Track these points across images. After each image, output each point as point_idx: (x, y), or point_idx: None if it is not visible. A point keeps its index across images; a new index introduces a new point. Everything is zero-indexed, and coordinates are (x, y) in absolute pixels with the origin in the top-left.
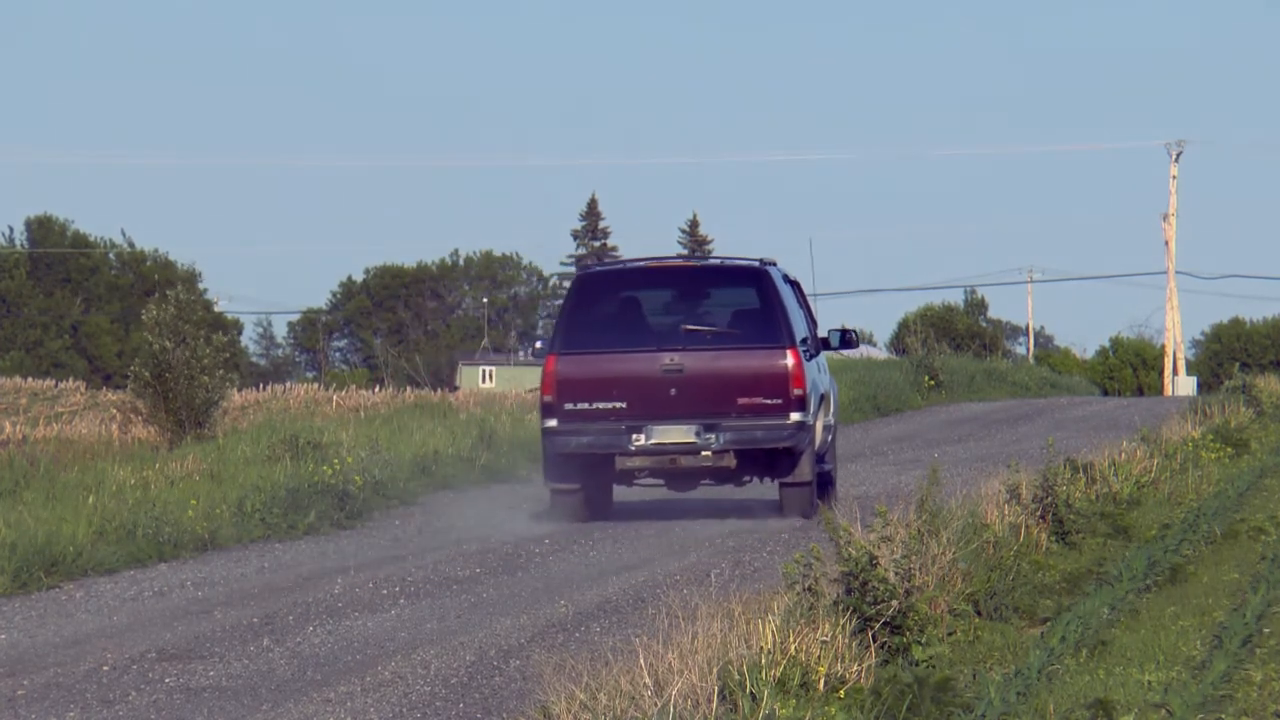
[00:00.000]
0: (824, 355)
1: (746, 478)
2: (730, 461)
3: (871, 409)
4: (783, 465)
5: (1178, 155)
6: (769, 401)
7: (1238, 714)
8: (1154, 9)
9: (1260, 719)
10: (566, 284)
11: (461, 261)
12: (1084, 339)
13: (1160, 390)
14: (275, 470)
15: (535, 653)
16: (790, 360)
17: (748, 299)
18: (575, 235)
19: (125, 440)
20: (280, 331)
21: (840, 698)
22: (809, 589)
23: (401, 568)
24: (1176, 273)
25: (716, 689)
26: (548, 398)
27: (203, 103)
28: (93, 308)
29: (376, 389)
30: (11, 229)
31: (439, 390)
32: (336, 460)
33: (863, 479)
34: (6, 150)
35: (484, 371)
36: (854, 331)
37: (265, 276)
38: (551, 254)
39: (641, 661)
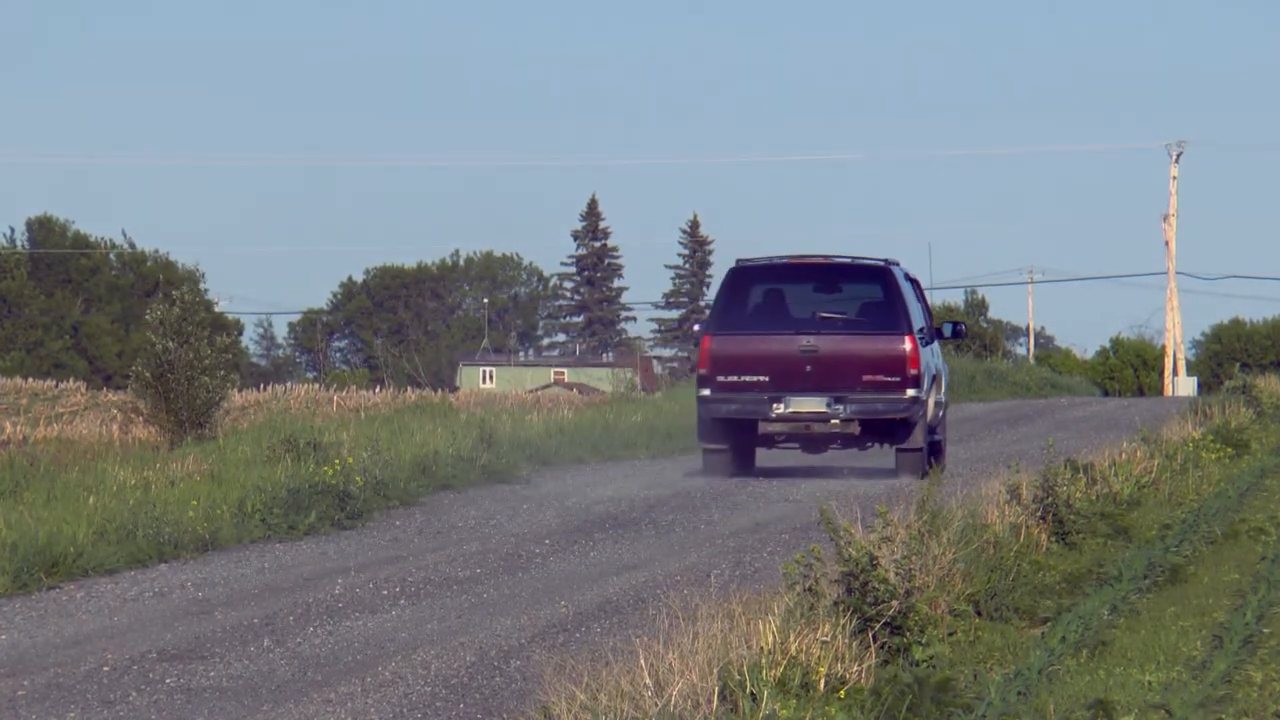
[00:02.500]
0: (937, 343)
1: (868, 443)
2: (855, 429)
3: None
4: (899, 433)
5: (1178, 156)
6: (889, 379)
7: (1238, 714)
8: (1154, 9)
9: (1260, 719)
10: (568, 284)
11: (461, 261)
12: (1084, 339)
13: (1160, 391)
14: (276, 471)
15: (536, 653)
16: (908, 345)
17: (873, 293)
18: (575, 235)
19: (126, 440)
20: (281, 332)
21: (840, 698)
22: (809, 589)
23: (402, 568)
24: (1177, 273)
25: (717, 689)
26: (703, 371)
27: (203, 103)
28: (93, 308)
29: (377, 389)
30: (12, 229)
31: (439, 391)
32: (337, 460)
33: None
34: (7, 150)
35: (484, 372)
36: (964, 324)
37: (266, 277)
38: (552, 254)
39: (642, 662)
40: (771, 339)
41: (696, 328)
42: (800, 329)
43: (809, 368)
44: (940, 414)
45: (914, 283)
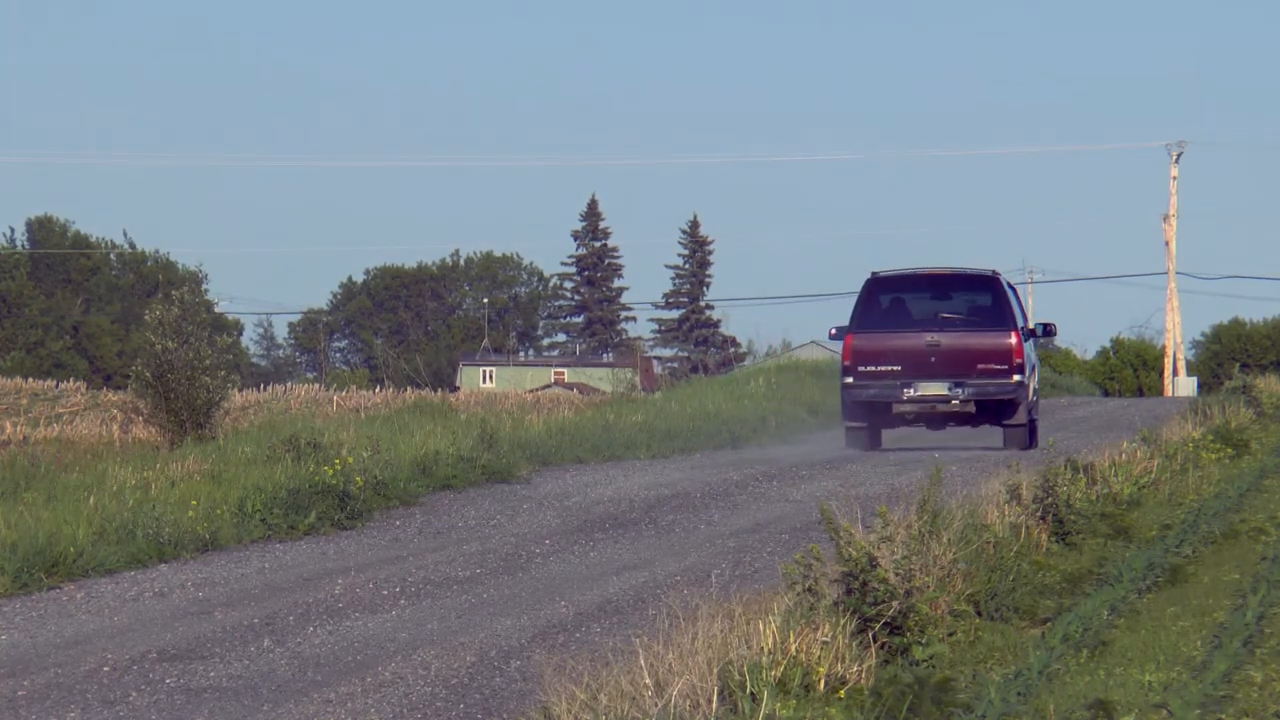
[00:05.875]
0: (1032, 340)
1: (981, 421)
2: (971, 409)
3: None
4: (1006, 412)
5: (1178, 156)
6: (998, 367)
7: (1238, 714)
8: (1154, 9)
9: (1260, 719)
10: (568, 284)
11: (462, 262)
12: (1084, 339)
13: (1160, 391)
14: (276, 471)
15: (536, 653)
16: (1013, 339)
17: (983, 297)
18: (575, 235)
19: (126, 441)
20: (281, 332)
21: (840, 698)
22: (809, 589)
23: (402, 568)
24: (1177, 273)
25: (717, 689)
26: (846, 363)
27: (203, 103)
28: (93, 308)
29: (377, 389)
30: (12, 229)
31: (439, 391)
32: (337, 460)
33: (863, 479)
34: (7, 150)
35: (484, 372)
36: (1053, 324)
37: (266, 277)
38: (552, 254)
39: (642, 662)
40: (902, 335)
41: (834, 330)
42: (925, 327)
43: (933, 359)
44: (1034, 398)
45: (1013, 289)
